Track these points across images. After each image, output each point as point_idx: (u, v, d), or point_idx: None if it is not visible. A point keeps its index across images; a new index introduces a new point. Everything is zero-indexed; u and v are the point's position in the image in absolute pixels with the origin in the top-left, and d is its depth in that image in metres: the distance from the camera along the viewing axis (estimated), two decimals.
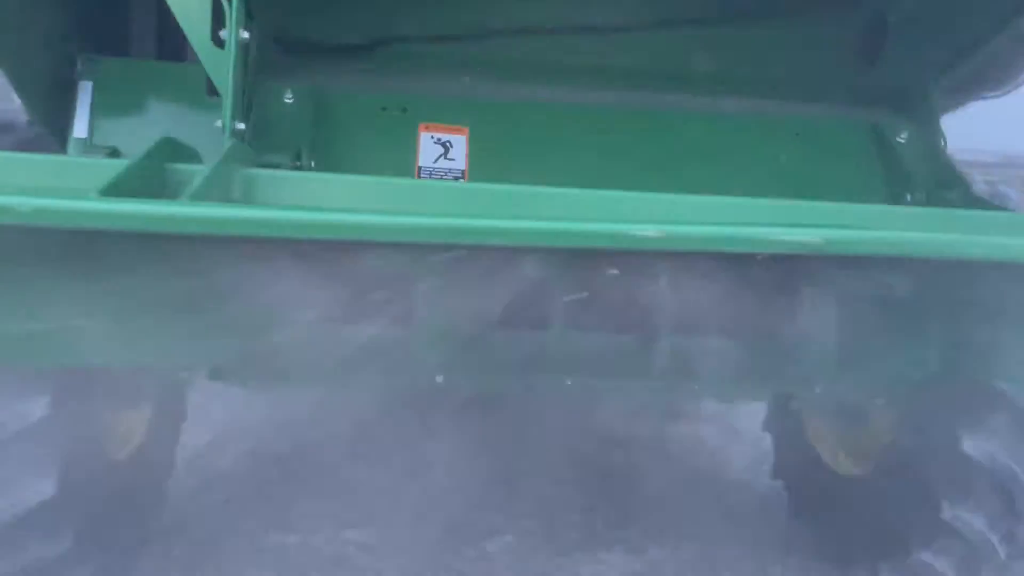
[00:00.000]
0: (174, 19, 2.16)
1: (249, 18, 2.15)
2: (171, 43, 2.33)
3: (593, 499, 3.68)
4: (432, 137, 2.34)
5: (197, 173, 1.41)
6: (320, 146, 2.24)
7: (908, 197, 2.37)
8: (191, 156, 1.54)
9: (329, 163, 2.22)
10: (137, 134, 2.16)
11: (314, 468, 3.81)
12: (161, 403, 2.82)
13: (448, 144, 2.34)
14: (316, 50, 2.35)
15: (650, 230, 1.34)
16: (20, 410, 1.86)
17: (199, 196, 1.28)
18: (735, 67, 2.53)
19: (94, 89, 2.19)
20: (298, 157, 2.11)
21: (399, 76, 2.39)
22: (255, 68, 2.24)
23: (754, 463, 3.95)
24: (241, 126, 1.77)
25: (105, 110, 2.19)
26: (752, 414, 4.11)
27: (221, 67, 1.71)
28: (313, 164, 2.15)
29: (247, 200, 1.51)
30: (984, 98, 3.79)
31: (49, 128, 2.17)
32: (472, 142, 2.37)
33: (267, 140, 2.16)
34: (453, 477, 3.73)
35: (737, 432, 4.36)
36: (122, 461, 2.50)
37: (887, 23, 2.54)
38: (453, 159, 2.33)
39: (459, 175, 2.32)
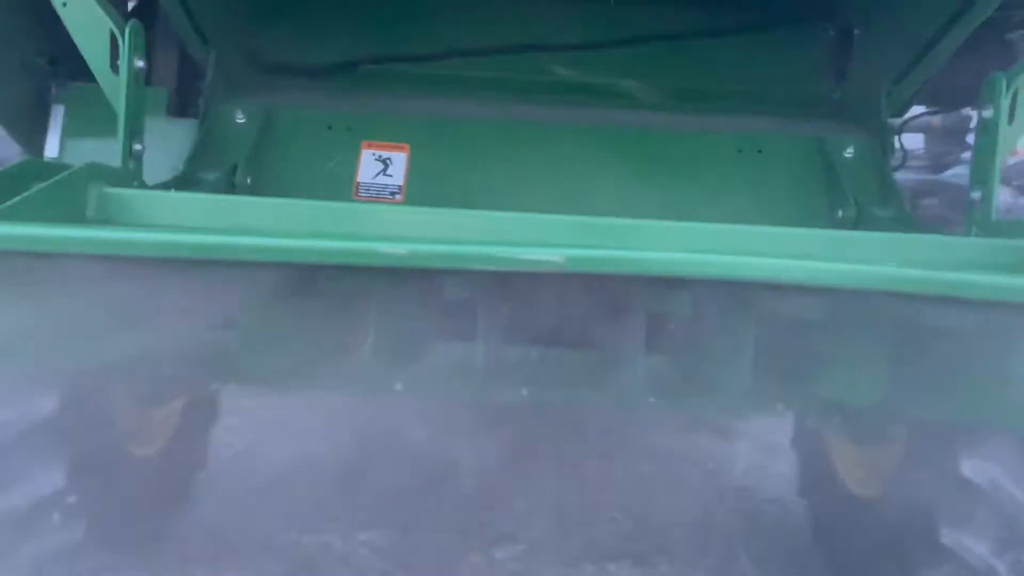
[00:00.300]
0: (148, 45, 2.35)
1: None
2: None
3: (603, 510, 3.65)
4: (373, 154, 2.42)
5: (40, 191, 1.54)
6: (266, 164, 2.36)
7: (839, 213, 2.28)
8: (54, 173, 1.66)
9: (270, 180, 2.34)
10: (102, 153, 2.35)
11: (328, 470, 3.99)
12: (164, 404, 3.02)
13: (388, 161, 2.41)
14: (269, 72, 2.48)
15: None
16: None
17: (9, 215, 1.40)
18: (676, 83, 2.53)
19: (65, 112, 2.40)
20: (233, 174, 2.23)
21: (347, 96, 2.49)
22: (211, 89, 2.41)
23: (766, 479, 3.86)
24: (139, 147, 1.89)
25: (74, 131, 2.40)
26: (766, 429, 4.06)
27: (117, 92, 1.85)
28: (249, 181, 2.27)
29: (95, 218, 1.64)
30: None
31: (27, 149, 2.40)
32: (413, 159, 2.42)
33: (214, 158, 2.31)
34: (464, 483, 3.80)
35: (750, 447, 4.26)
36: (139, 460, 2.69)
37: (853, 37, 2.47)
38: (391, 175, 2.40)
39: (396, 191, 2.39)
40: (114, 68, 1.87)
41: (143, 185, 1.90)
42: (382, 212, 1.80)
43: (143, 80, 1.89)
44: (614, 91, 2.50)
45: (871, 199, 2.32)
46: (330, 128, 2.44)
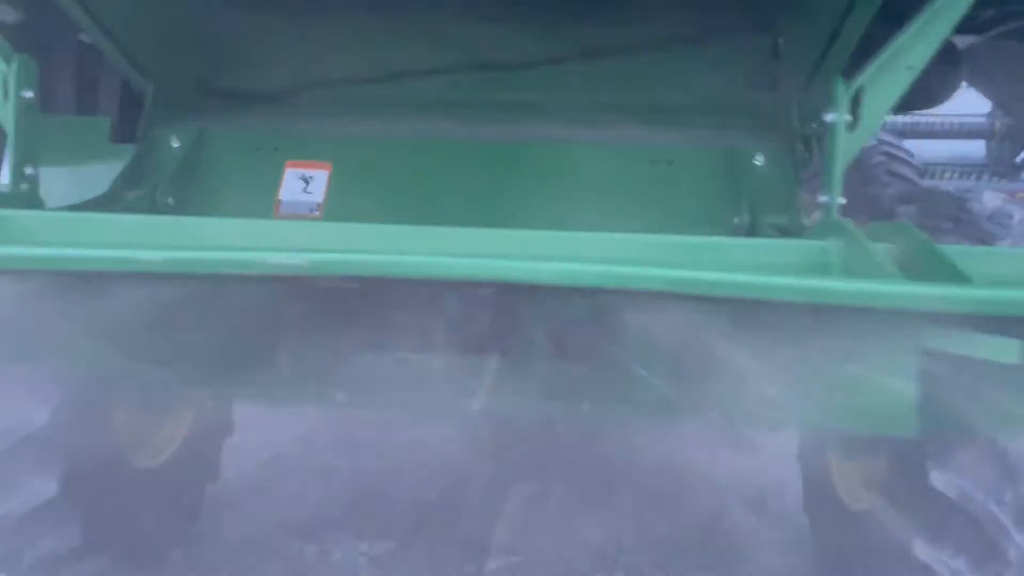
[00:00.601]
0: (89, 77, 2.52)
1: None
2: (89, 98, 2.69)
3: (600, 524, 3.63)
4: (296, 173, 2.52)
5: None
6: (194, 185, 2.49)
7: (735, 220, 2.27)
8: None
9: (196, 199, 2.47)
10: (52, 180, 2.52)
11: (332, 481, 4.09)
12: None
13: (309, 179, 2.51)
14: (202, 98, 2.61)
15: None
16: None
17: None
18: (592, 98, 2.56)
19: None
20: (153, 194, 2.36)
21: (276, 119, 2.60)
22: (148, 115, 2.56)
23: (767, 493, 3.78)
24: (30, 170, 2.04)
25: (27, 160, 2.58)
26: (768, 444, 3.98)
27: (7, 119, 2.00)
28: (171, 201, 2.40)
29: None
30: (915, 113, 3.49)
31: None
32: (335, 177, 2.51)
33: (142, 180, 2.45)
34: (464, 495, 3.86)
35: (750, 461, 4.16)
36: (145, 469, 2.84)
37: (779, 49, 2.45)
38: (311, 193, 2.49)
39: (315, 208, 2.48)
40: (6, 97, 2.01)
41: (38, 206, 2.04)
42: (236, 226, 1.88)
43: (36, 110, 2.03)
44: (531, 107, 2.53)
45: (773, 206, 2.31)
46: (258, 149, 2.55)
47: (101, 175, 2.45)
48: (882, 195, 5.97)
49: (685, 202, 2.41)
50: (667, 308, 1.48)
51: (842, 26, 2.18)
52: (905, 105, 3.52)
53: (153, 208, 2.36)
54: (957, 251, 1.66)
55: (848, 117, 1.85)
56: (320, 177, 2.51)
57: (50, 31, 2.62)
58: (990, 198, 3.36)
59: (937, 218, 3.22)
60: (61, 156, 2.54)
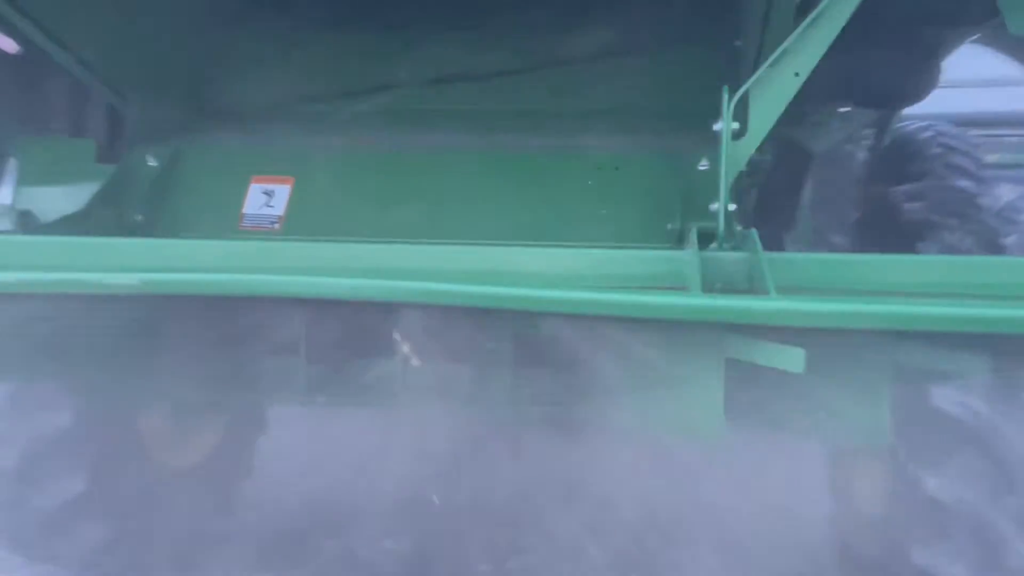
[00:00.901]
0: (81, 101, 2.72)
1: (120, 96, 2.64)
2: (81, 121, 2.88)
3: (618, 528, 3.69)
4: (260, 188, 2.63)
5: None
6: (167, 202, 2.64)
7: (668, 226, 2.27)
8: None
9: (165, 216, 2.61)
10: (48, 198, 2.72)
11: (357, 481, 4.24)
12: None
13: (272, 193, 2.62)
14: (180, 118, 2.75)
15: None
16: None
17: None
18: (547, 106, 2.58)
19: (18, 162, 2.80)
20: (122, 212, 2.52)
21: (248, 136, 2.72)
22: (130, 136, 2.73)
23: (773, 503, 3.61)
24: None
25: (25, 180, 2.78)
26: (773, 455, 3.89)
27: None
28: (140, 219, 2.55)
29: None
30: (895, 109, 3.34)
31: None
32: (297, 191, 2.62)
33: (116, 198, 2.62)
34: (486, 495, 3.96)
35: (757, 472, 4.04)
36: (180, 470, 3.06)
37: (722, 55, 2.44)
38: (273, 206, 2.60)
39: (275, 221, 2.59)
40: None
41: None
42: (169, 247, 2.00)
43: None
44: (484, 117, 2.58)
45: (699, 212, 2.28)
46: (230, 166, 2.68)
47: (86, 195, 2.63)
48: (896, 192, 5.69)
49: (629, 207, 2.41)
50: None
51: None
52: (880, 104, 3.40)
53: (120, 225, 2.51)
54: (822, 260, 1.63)
55: (735, 125, 1.82)
56: (282, 191, 2.62)
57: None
58: (1007, 191, 3.18)
59: (942, 215, 3.08)
60: (50, 177, 2.73)
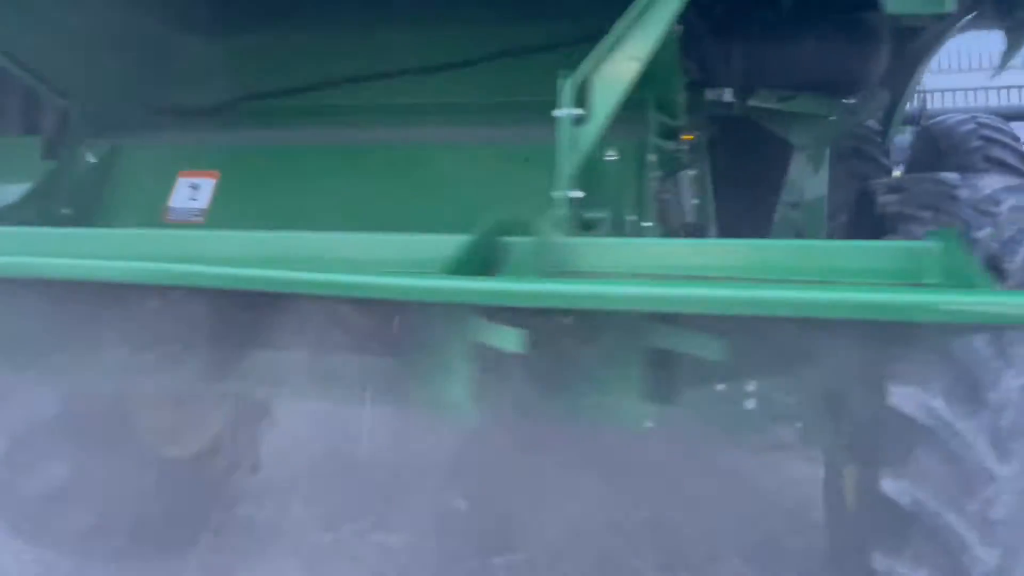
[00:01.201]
0: (31, 101, 2.81)
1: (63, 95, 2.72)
2: (30, 120, 2.97)
3: (607, 531, 3.79)
4: (187, 182, 2.67)
5: None
6: (99, 195, 2.70)
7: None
8: None
9: (95, 209, 2.67)
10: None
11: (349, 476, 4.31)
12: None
13: (197, 187, 2.64)
14: (117, 115, 2.81)
15: None
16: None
17: None
18: (463, 100, 2.57)
19: None
20: (50, 206, 2.58)
21: (184, 132, 2.77)
22: (72, 133, 2.80)
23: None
24: None
25: None
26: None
27: None
28: (67, 211, 2.62)
29: None
30: (837, 100, 3.19)
31: None
32: (222, 184, 2.64)
33: (55, 193, 2.69)
34: (475, 492, 4.08)
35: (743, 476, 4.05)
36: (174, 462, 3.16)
37: None
38: (196, 200, 2.63)
39: (198, 214, 2.62)
40: None
41: None
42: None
43: None
44: (404, 113, 2.58)
45: (616, 203, 2.23)
46: (164, 161, 2.72)
47: (32, 189, 2.70)
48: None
49: (535, 200, 2.35)
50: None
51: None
52: (826, 90, 3.23)
53: (47, 218, 2.58)
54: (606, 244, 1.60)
55: (578, 111, 1.76)
56: (207, 185, 2.65)
57: None
58: (990, 182, 2.96)
59: (915, 207, 2.90)
60: (9, 171, 2.82)
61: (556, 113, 1.80)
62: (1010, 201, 2.80)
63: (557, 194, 1.82)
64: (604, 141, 2.33)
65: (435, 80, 2.59)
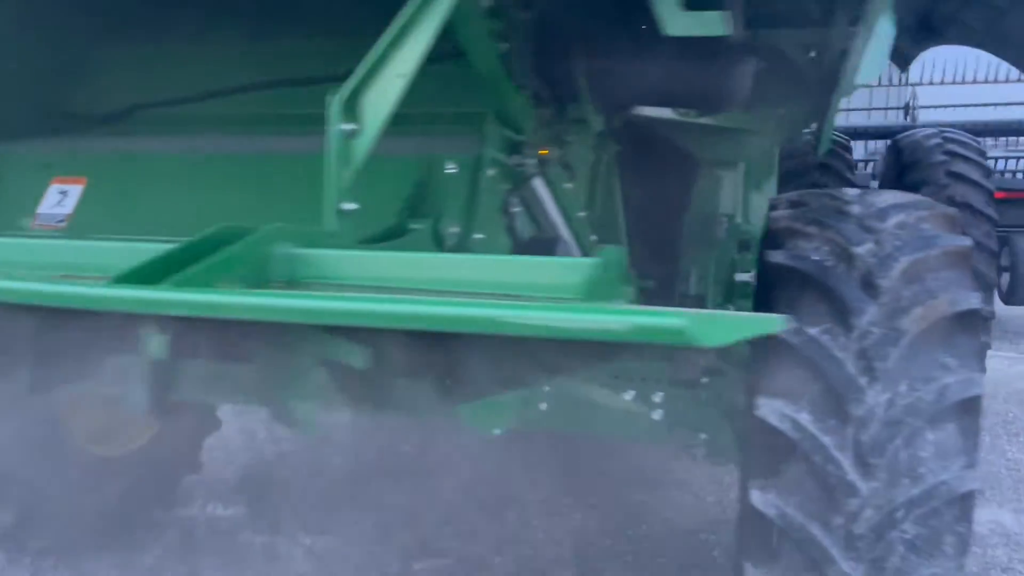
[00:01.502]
0: None
1: None
2: None
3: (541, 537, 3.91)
4: (58, 188, 2.70)
5: None
6: None
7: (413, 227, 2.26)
8: None
9: None
10: None
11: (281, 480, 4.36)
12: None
13: (65, 193, 2.68)
14: (38, 120, 2.86)
15: None
16: None
17: None
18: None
19: None
20: None
21: (64, 139, 2.81)
22: None
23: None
24: None
25: None
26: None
27: None
28: None
29: None
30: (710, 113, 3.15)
31: None
32: (89, 190, 2.67)
33: None
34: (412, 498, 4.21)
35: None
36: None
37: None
38: (63, 206, 2.66)
39: (62, 220, 2.65)
40: None
41: None
42: None
43: None
44: (290, 120, 2.59)
45: (449, 214, 2.26)
46: (30, 167, 2.76)
47: None
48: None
49: (384, 210, 2.35)
50: None
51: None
52: (697, 106, 3.19)
53: None
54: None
55: (351, 126, 1.79)
56: (74, 191, 2.68)
57: None
58: (885, 199, 2.90)
59: (803, 222, 2.85)
60: None
61: (328, 128, 1.82)
62: (898, 217, 2.74)
63: (327, 206, 1.82)
64: (443, 154, 2.36)
65: (284, 93, 2.64)
